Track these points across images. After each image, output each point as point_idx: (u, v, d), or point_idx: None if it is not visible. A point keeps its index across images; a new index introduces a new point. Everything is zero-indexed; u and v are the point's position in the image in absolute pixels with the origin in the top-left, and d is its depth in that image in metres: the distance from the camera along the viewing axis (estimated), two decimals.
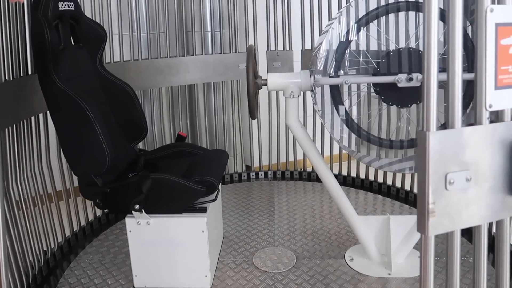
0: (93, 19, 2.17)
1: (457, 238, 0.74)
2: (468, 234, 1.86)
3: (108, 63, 2.29)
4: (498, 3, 0.72)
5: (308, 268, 1.82)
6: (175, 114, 2.73)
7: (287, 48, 2.72)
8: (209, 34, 2.70)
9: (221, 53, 2.72)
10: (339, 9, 2.53)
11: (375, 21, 1.61)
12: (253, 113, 1.62)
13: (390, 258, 1.76)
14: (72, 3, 1.67)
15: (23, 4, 1.68)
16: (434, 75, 0.67)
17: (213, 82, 2.77)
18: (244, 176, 2.93)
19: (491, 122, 0.75)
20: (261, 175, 2.94)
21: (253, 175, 2.93)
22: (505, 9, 0.70)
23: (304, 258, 1.89)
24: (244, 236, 2.11)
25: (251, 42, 2.74)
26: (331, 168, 2.77)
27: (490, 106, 0.71)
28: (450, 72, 0.69)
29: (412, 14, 1.58)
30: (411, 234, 1.76)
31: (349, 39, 1.62)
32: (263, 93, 2.95)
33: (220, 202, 2.04)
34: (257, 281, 1.74)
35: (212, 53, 2.70)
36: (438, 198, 0.69)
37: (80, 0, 2.04)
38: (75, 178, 1.69)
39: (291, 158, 2.95)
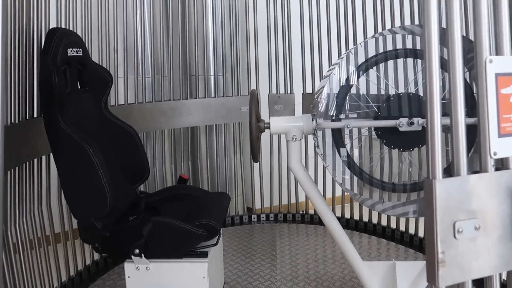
0: (100, 63, 2.23)
1: None
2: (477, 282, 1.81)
3: (113, 105, 2.33)
4: (496, 53, 0.74)
5: None
6: (177, 156, 2.74)
7: (289, 92, 2.78)
8: (212, 77, 2.77)
9: (223, 96, 2.77)
10: (338, 54, 2.61)
11: (375, 67, 1.65)
12: (255, 156, 1.63)
13: None
14: (80, 49, 1.72)
15: (33, 48, 1.74)
16: (438, 124, 0.68)
17: (215, 125, 2.80)
18: (246, 218, 2.89)
19: (497, 169, 0.75)
20: (263, 217, 2.90)
21: (254, 218, 2.89)
22: (504, 59, 0.72)
23: None
24: (246, 282, 2.05)
25: (253, 85, 2.80)
26: (333, 211, 2.74)
27: (495, 154, 0.72)
28: (453, 120, 0.70)
29: (410, 60, 1.63)
30: (418, 281, 1.71)
31: (350, 84, 1.65)
32: (264, 136, 2.97)
33: (222, 246, 2.00)
34: None
35: (215, 96, 2.75)
36: (447, 247, 0.68)
37: (88, 45, 2.10)
38: (74, 221, 1.66)
39: (293, 200, 2.92)
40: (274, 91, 2.80)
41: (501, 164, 0.76)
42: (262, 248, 2.42)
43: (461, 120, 0.70)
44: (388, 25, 2.43)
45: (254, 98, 1.62)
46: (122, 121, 1.91)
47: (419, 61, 1.70)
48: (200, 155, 2.83)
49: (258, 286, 2.01)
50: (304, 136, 1.70)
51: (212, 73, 2.77)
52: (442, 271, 0.67)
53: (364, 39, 2.39)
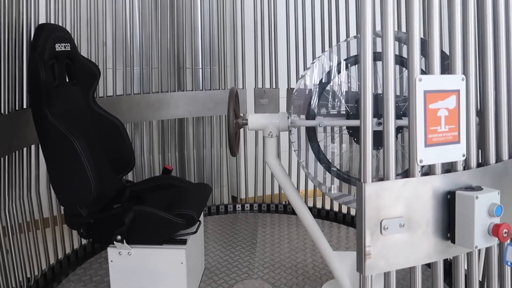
0: (89, 56, 2.30)
1: (393, 278, 0.82)
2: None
3: (102, 97, 2.40)
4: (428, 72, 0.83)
5: None
6: (165, 146, 2.83)
7: (274, 86, 2.86)
8: (200, 70, 2.84)
9: (210, 89, 2.85)
10: (322, 50, 2.69)
11: (347, 69, 1.74)
12: (233, 150, 1.72)
13: None
14: (68, 44, 1.79)
15: (22, 43, 1.81)
16: (369, 134, 0.77)
17: (203, 117, 2.89)
18: (230, 207, 3.00)
19: (425, 174, 0.85)
20: (247, 207, 3.01)
21: (239, 207, 3.00)
22: (432, 78, 0.81)
23: None
24: (225, 268, 2.16)
25: (239, 79, 2.88)
26: (306, 202, 2.87)
27: (421, 161, 0.81)
28: (384, 132, 0.80)
29: (379, 63, 1.71)
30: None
31: (324, 84, 1.74)
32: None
33: (202, 235, 2.11)
34: None
35: (202, 89, 2.83)
36: (374, 242, 0.78)
37: (77, 38, 2.17)
38: (61, 207, 1.76)
39: (276, 191, 3.03)
40: (260, 86, 2.88)
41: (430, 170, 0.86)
42: (243, 236, 2.54)
43: (391, 130, 0.79)
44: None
45: (232, 95, 1.71)
46: (109, 113, 2.00)
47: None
48: (187, 146, 2.93)
49: (236, 272, 2.13)
50: (279, 132, 1.80)
51: (200, 65, 2.85)
52: (368, 262, 0.78)
53: (347, 37, 2.47)
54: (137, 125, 2.69)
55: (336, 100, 1.77)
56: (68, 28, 2.00)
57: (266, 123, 1.76)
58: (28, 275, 1.94)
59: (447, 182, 0.83)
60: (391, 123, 0.79)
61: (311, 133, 1.78)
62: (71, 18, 2.14)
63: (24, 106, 1.86)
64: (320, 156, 1.76)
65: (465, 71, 0.87)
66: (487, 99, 0.91)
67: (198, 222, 1.85)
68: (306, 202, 2.62)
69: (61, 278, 2.09)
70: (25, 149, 1.90)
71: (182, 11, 2.73)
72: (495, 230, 0.79)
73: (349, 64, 1.79)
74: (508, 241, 0.80)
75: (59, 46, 1.72)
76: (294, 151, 1.77)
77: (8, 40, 1.71)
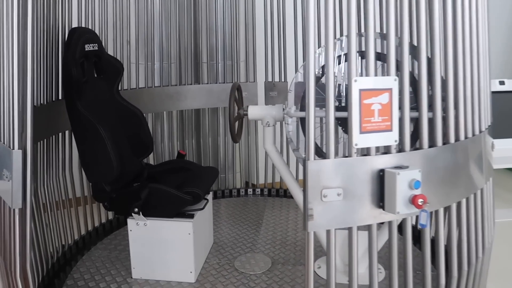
0: (115, 52, 2.60)
1: (333, 235, 1.05)
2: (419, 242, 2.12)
3: (126, 89, 2.71)
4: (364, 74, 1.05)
5: (280, 272, 2.12)
6: (184, 134, 3.12)
7: (283, 80, 3.08)
8: (215, 65, 3.10)
9: (224, 82, 3.10)
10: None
11: (338, 65, 1.94)
12: (234, 138, 1.97)
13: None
14: (96, 44, 2.09)
15: (58, 43, 2.12)
16: (312, 119, 1.00)
17: (218, 107, 3.15)
18: (242, 191, 3.26)
19: (364, 155, 1.07)
20: (258, 191, 3.26)
21: (250, 191, 3.26)
22: (366, 79, 1.03)
23: (279, 264, 2.19)
24: (231, 243, 2.43)
25: (251, 73, 3.12)
26: None
27: (356, 145, 1.03)
28: (326, 114, 1.02)
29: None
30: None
31: (317, 79, 1.95)
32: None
33: (211, 212, 2.38)
34: (234, 279, 2.06)
35: (217, 82, 3.09)
36: (315, 206, 1.01)
37: (104, 38, 2.47)
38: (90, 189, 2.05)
39: None
40: (270, 79, 3.11)
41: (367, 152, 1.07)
42: (251, 217, 2.80)
43: (331, 117, 1.01)
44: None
45: (234, 89, 1.95)
46: (131, 103, 2.29)
47: (378, 62, 1.97)
48: (203, 134, 3.20)
49: (241, 246, 2.39)
50: (276, 122, 2.03)
51: (215, 60, 3.10)
52: (310, 222, 1.01)
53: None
54: (158, 115, 2.98)
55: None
56: (96, 30, 2.30)
57: (263, 114, 1.99)
58: (63, 243, 2.27)
59: (380, 162, 1.05)
60: (331, 114, 1.01)
61: (303, 123, 2.00)
62: (99, 21, 2.43)
63: (60, 98, 2.18)
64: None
65: (400, 72, 1.08)
66: (420, 96, 1.11)
67: (206, 201, 2.12)
68: None
69: (90, 246, 2.41)
70: (60, 134, 2.22)
71: (199, 11, 2.98)
72: (413, 200, 1.00)
73: (342, 60, 1.99)
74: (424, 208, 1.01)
75: (88, 46, 2.02)
76: (289, 139, 2.00)
77: (47, 41, 2.02)
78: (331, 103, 0.99)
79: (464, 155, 1.19)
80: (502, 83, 2.91)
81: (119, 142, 2.14)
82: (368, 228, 1.09)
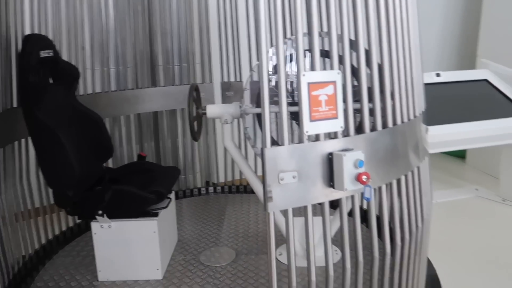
0: (69, 58, 2.59)
1: (290, 214, 1.17)
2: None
3: (82, 95, 2.70)
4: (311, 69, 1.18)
5: (244, 262, 2.22)
6: (142, 137, 3.14)
7: (238, 80, 3.19)
8: (171, 67, 3.15)
9: (181, 84, 3.17)
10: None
11: (291, 63, 2.08)
12: (193, 136, 2.05)
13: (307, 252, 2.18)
14: (51, 51, 2.09)
15: (10, 52, 2.09)
16: (267, 112, 1.11)
17: (176, 109, 3.20)
18: (204, 191, 3.34)
19: (314, 141, 1.20)
20: (219, 189, 3.35)
21: (211, 190, 3.34)
22: (313, 73, 1.16)
23: (242, 255, 2.30)
24: (195, 239, 2.50)
25: (207, 75, 3.20)
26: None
27: (307, 132, 1.16)
28: (280, 105, 1.14)
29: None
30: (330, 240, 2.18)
31: (269, 76, 2.08)
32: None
33: (174, 210, 2.44)
34: (200, 273, 2.14)
35: (173, 85, 3.14)
36: (274, 188, 1.13)
37: (59, 44, 2.46)
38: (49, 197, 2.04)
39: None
40: (225, 80, 3.21)
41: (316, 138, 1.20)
42: (213, 213, 2.88)
43: (284, 107, 1.13)
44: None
45: (192, 90, 2.04)
46: (88, 108, 2.30)
47: (327, 60, 2.13)
48: (162, 136, 3.24)
49: (205, 241, 2.47)
50: (234, 119, 2.13)
51: (171, 63, 3.15)
52: (270, 203, 1.12)
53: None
54: (116, 118, 2.99)
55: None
56: (50, 36, 2.29)
57: (222, 112, 2.09)
58: (23, 253, 2.24)
59: (328, 146, 1.18)
60: (284, 105, 1.13)
61: (260, 119, 2.12)
62: (52, 27, 2.42)
63: (14, 105, 2.15)
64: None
65: (342, 66, 1.22)
66: (361, 86, 1.25)
67: (169, 199, 2.18)
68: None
69: (52, 255, 2.39)
70: (16, 142, 2.19)
71: (153, 14, 3.02)
72: (358, 177, 1.14)
73: (293, 58, 2.13)
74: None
75: (43, 53, 2.02)
76: (246, 134, 2.11)
77: (1, 49, 2.00)
78: (283, 95, 1.11)
79: (401, 137, 1.35)
80: (438, 75, 3.19)
81: (79, 147, 2.15)
82: (321, 206, 1.22)
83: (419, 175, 1.47)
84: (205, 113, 2.09)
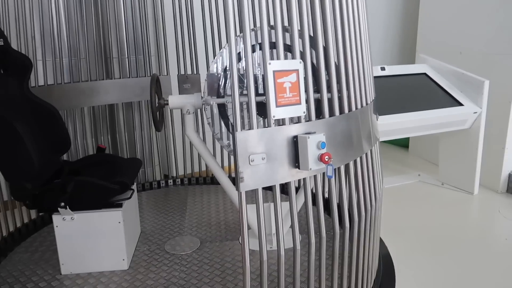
0: (19, 49, 2.49)
1: (260, 193, 1.26)
2: (327, 210, 2.46)
3: (34, 86, 2.61)
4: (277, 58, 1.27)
5: (209, 249, 2.29)
6: (97, 131, 3.08)
7: (195, 72, 3.22)
8: (126, 59, 3.12)
9: (137, 76, 3.14)
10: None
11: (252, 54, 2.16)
12: (157, 126, 2.08)
13: (272, 236, 2.29)
14: (1, 39, 2.01)
15: None
16: (237, 101, 1.19)
17: (132, 102, 3.18)
18: (163, 183, 3.34)
19: (281, 125, 1.29)
20: (178, 182, 3.37)
21: (170, 182, 3.35)
22: (278, 62, 1.25)
23: (207, 242, 2.36)
24: (159, 230, 2.53)
25: (163, 67, 3.20)
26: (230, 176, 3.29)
27: (274, 116, 1.25)
28: (249, 93, 1.22)
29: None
30: (287, 217, 2.30)
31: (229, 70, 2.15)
32: (178, 111, 3.41)
33: (136, 201, 2.44)
34: (166, 261, 2.17)
35: (129, 77, 3.11)
36: (245, 170, 1.21)
37: (8, 34, 2.36)
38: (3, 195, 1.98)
39: (203, 168, 3.42)
40: (182, 72, 3.23)
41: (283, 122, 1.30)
42: (175, 204, 2.91)
43: (252, 94, 1.21)
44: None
45: (153, 80, 2.06)
46: (44, 100, 2.24)
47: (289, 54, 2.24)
48: (119, 130, 3.20)
49: (169, 232, 2.50)
50: (196, 110, 2.18)
51: (126, 55, 3.12)
52: (242, 183, 1.20)
53: (254, 26, 2.89)
54: (70, 111, 2.92)
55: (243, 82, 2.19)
56: None
57: (183, 103, 2.13)
58: None
59: (293, 130, 1.28)
60: (252, 91, 1.21)
61: (221, 109, 2.18)
62: (1, 16, 2.32)
63: None
64: (230, 127, 2.18)
65: (303, 57, 1.32)
66: (319, 76, 1.37)
67: (132, 190, 2.19)
68: (230, 175, 3.09)
69: (7, 252, 2.31)
70: None
71: (106, 4, 2.97)
72: (321, 157, 1.25)
73: (256, 49, 2.21)
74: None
75: None
76: (208, 124, 2.17)
77: None
78: (251, 82, 1.19)
79: (356, 122, 1.49)
80: (383, 69, 3.42)
81: (36, 139, 2.10)
82: (287, 185, 1.32)
83: (372, 157, 1.61)
84: (167, 104, 2.12)
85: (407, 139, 4.64)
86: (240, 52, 2.08)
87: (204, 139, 3.25)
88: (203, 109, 2.14)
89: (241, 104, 2.35)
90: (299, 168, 1.29)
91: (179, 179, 3.38)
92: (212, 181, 3.38)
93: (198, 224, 2.60)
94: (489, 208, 3.07)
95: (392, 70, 3.46)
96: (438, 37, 3.91)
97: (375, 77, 3.37)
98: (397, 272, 2.19)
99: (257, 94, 2.09)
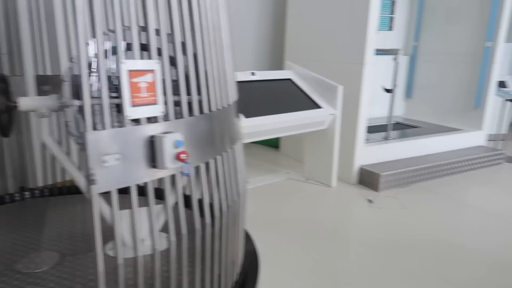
0: None
1: (115, 195, 1.22)
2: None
3: None
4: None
5: (70, 263, 2.11)
6: None
7: (57, 73, 2.95)
8: None
9: None
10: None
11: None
12: (4, 133, 1.85)
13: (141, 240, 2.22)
14: None
15: None
16: (89, 106, 1.14)
17: None
18: (17, 197, 2.98)
19: (137, 125, 1.27)
20: (37, 193, 3.04)
21: (28, 195, 3.00)
22: (132, 62, 1.23)
23: (69, 256, 2.17)
24: (9, 249, 2.24)
25: (16, 67, 2.87)
26: None
27: (128, 116, 1.23)
28: (103, 99, 1.17)
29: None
30: (156, 221, 2.26)
31: (90, 70, 2.03)
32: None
33: None
34: (16, 281, 1.94)
35: None
36: (97, 171, 1.16)
37: None
38: None
39: (68, 178, 3.15)
40: (41, 73, 2.93)
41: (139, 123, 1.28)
42: (30, 219, 2.61)
43: (105, 93, 1.17)
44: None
45: None
46: None
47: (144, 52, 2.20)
48: None
49: (22, 249, 2.23)
50: (51, 112, 2.00)
51: None
52: (94, 186, 1.15)
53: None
54: None
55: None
56: None
57: (38, 104, 1.94)
58: None
59: (150, 129, 1.27)
60: (105, 90, 1.17)
61: (82, 111, 2.05)
62: None
63: None
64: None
65: (161, 59, 1.33)
66: (180, 76, 1.39)
67: None
68: None
69: None
70: None
71: None
72: (177, 156, 1.27)
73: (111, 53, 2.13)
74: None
75: None
76: (68, 128, 2.01)
77: None
78: (104, 80, 1.15)
79: (216, 122, 1.55)
80: (253, 74, 3.62)
81: None
82: (145, 185, 1.30)
83: (234, 155, 1.69)
84: (16, 106, 1.91)
85: (278, 140, 4.98)
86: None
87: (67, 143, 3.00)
88: (63, 111, 1.98)
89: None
90: (156, 168, 1.28)
91: (39, 190, 3.05)
92: (78, 190, 3.13)
93: (59, 237, 2.38)
94: (344, 198, 3.48)
95: (262, 75, 3.69)
96: (303, 47, 4.30)
97: (246, 81, 3.54)
98: (264, 263, 2.32)
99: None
